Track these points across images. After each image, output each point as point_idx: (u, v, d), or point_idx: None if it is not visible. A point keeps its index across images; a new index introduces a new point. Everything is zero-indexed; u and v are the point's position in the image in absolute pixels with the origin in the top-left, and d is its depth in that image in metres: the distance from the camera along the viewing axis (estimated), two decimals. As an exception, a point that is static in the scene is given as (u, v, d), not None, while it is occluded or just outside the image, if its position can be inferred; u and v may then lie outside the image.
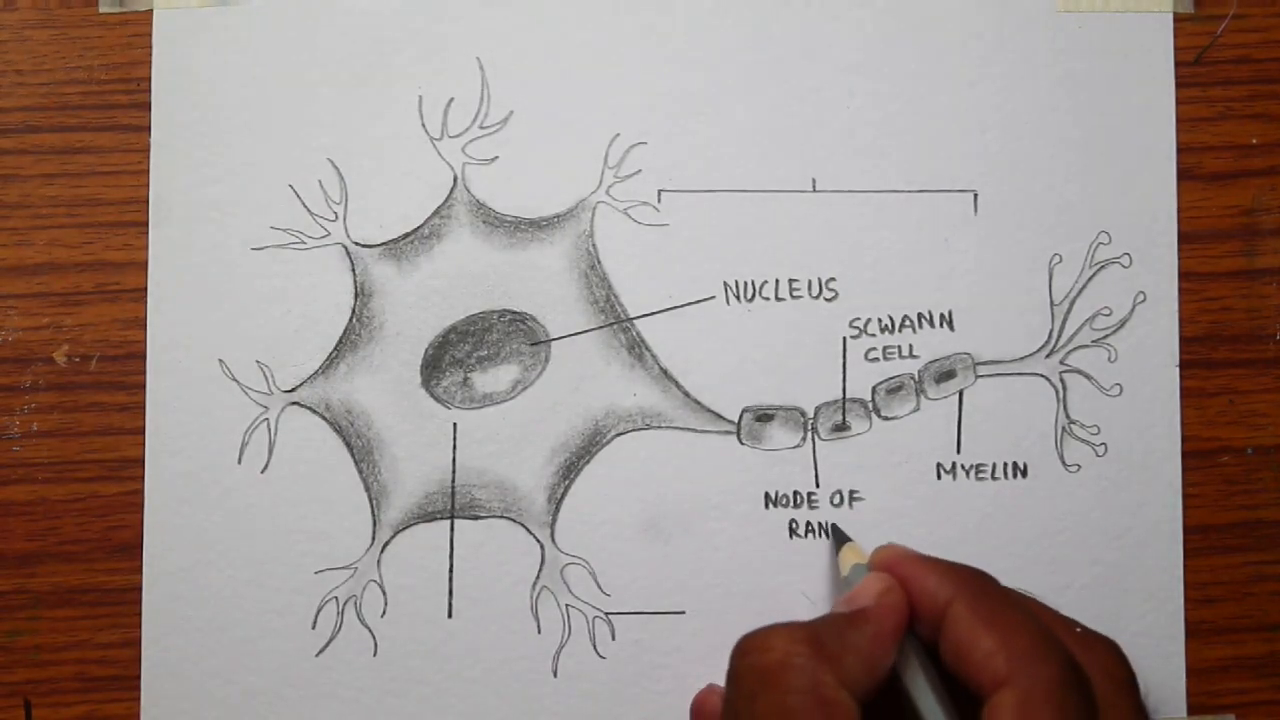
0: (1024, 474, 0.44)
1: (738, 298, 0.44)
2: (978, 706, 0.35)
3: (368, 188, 0.44)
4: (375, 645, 0.43)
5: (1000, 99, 0.45)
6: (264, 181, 0.44)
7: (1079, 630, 0.38)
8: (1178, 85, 0.45)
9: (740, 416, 0.44)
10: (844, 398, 0.44)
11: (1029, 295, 0.45)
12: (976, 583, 0.37)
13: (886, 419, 0.44)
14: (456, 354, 0.44)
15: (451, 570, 0.43)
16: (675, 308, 0.44)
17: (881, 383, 0.44)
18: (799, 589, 0.44)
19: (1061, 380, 0.45)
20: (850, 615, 0.37)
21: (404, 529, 0.44)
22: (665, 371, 0.44)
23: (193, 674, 0.43)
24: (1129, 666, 0.38)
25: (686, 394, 0.44)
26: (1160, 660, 0.44)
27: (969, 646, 0.35)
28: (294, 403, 0.44)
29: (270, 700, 0.43)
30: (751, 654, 0.36)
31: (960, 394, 0.44)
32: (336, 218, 0.44)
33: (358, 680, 0.43)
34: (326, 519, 0.43)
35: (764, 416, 0.44)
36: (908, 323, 0.45)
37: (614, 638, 0.44)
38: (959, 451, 0.44)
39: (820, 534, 0.44)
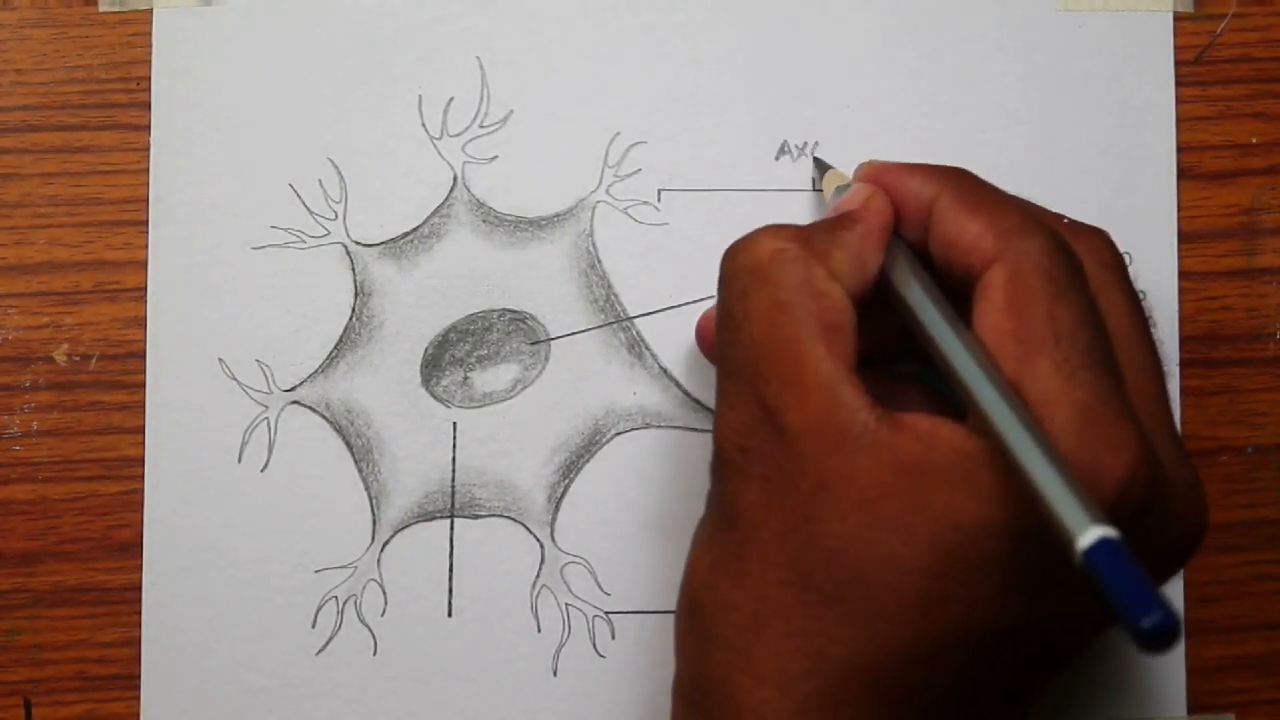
0: (1024, 473, 0.44)
1: (738, 297, 0.44)
2: (969, 304, 0.35)
3: (368, 187, 0.44)
4: (375, 644, 0.43)
5: (1000, 99, 0.45)
6: (264, 181, 0.44)
7: (1066, 221, 0.38)
8: (1178, 85, 0.45)
9: (740, 416, 0.44)
10: (844, 397, 0.44)
11: (1029, 295, 0.45)
12: (960, 176, 0.37)
13: (886, 418, 0.44)
14: (456, 353, 0.44)
15: (451, 569, 0.43)
16: (675, 307, 0.44)
17: (881, 382, 0.44)
18: (799, 588, 0.44)
19: (1061, 379, 0.44)
20: (837, 218, 0.37)
21: (404, 528, 0.44)
22: (665, 371, 0.44)
23: (193, 674, 0.43)
24: (1118, 253, 0.38)
25: (686, 393, 0.44)
26: (1160, 659, 0.44)
27: (957, 233, 0.35)
28: (294, 402, 0.44)
29: (270, 700, 0.43)
30: (741, 254, 0.36)
31: (960, 393, 0.44)
32: (336, 217, 0.44)
33: (358, 680, 0.43)
34: (326, 518, 0.43)
35: (764, 416, 0.44)
36: (908, 322, 0.44)
37: (614, 637, 0.44)
38: (959, 451, 0.44)
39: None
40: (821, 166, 0.44)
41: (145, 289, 0.44)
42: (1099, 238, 0.38)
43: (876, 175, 0.38)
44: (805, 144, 0.45)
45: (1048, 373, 0.32)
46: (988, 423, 0.32)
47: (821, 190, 0.43)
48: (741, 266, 0.36)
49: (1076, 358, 0.33)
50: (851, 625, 0.33)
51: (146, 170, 0.44)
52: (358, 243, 0.44)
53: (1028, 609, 0.33)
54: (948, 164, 0.38)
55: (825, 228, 0.37)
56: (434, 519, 0.44)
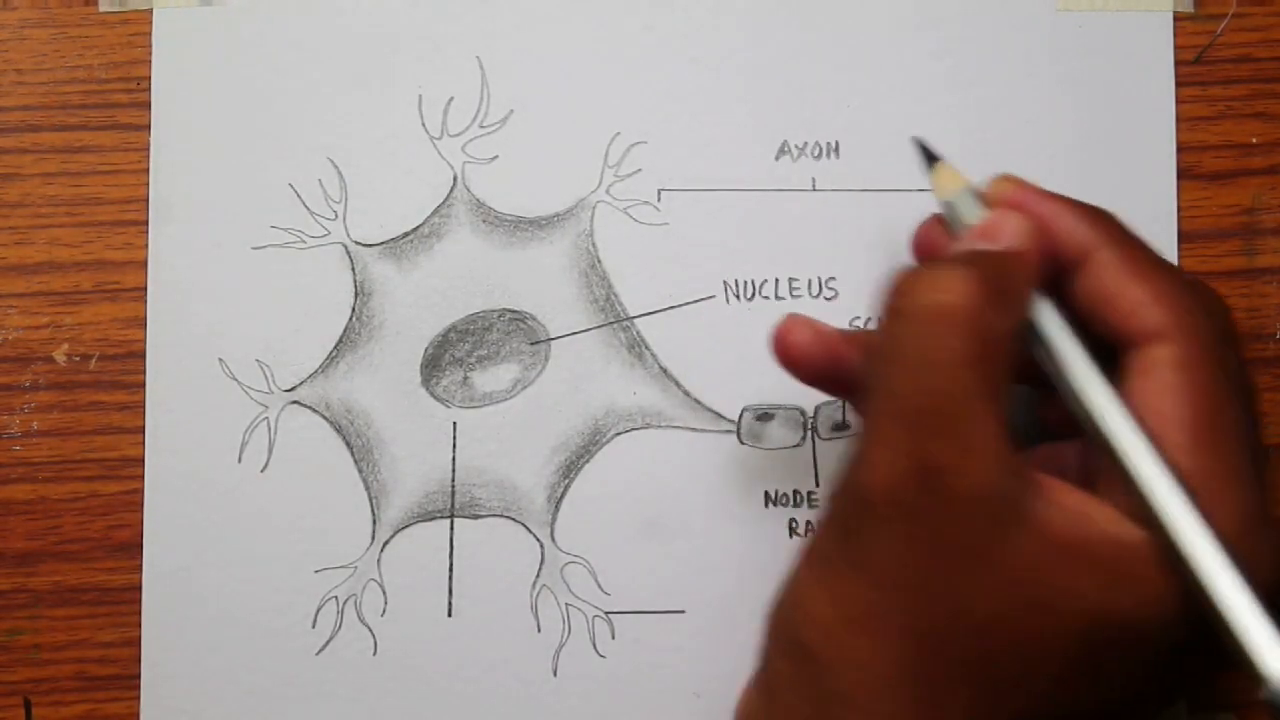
0: (1024, 473, 0.44)
1: (738, 297, 0.44)
2: (1106, 358, 0.34)
3: (368, 187, 0.44)
4: (375, 645, 0.43)
5: (1000, 99, 0.45)
6: (264, 181, 0.44)
7: (1192, 281, 0.36)
8: (1178, 85, 0.45)
9: (740, 416, 0.44)
10: (844, 397, 0.44)
11: (1029, 295, 0.45)
12: (1120, 228, 0.35)
13: (886, 418, 0.44)
14: (456, 353, 0.44)
15: (451, 569, 0.43)
16: (675, 307, 0.44)
17: (881, 382, 0.44)
18: (799, 588, 0.44)
19: (1061, 379, 0.45)
20: (1006, 256, 0.34)
21: (404, 528, 0.44)
22: (665, 371, 0.44)
23: (193, 674, 0.43)
24: (1235, 323, 0.36)
25: (686, 393, 0.44)
26: (1160, 660, 0.44)
27: (1117, 294, 0.34)
28: (294, 402, 0.44)
29: (270, 700, 0.43)
30: (924, 292, 0.33)
31: (960, 393, 0.44)
32: (336, 217, 0.44)
33: (358, 680, 0.43)
34: (326, 518, 0.43)
35: (764, 416, 0.44)
36: (908, 322, 0.44)
37: (614, 637, 0.44)
38: (959, 451, 0.44)
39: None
40: (929, 156, 0.40)
41: (145, 289, 0.44)
42: (1226, 307, 0.36)
43: (1025, 203, 0.36)
44: (805, 144, 0.45)
45: (1215, 471, 0.32)
46: (1158, 519, 0.31)
47: (932, 189, 0.39)
48: (924, 307, 0.33)
49: (1239, 456, 0.32)
50: (987, 699, 0.32)
51: (146, 170, 0.44)
52: (358, 243, 0.44)
53: (1157, 694, 0.33)
54: (1093, 203, 0.36)
55: (1000, 268, 0.34)
56: (434, 519, 0.44)
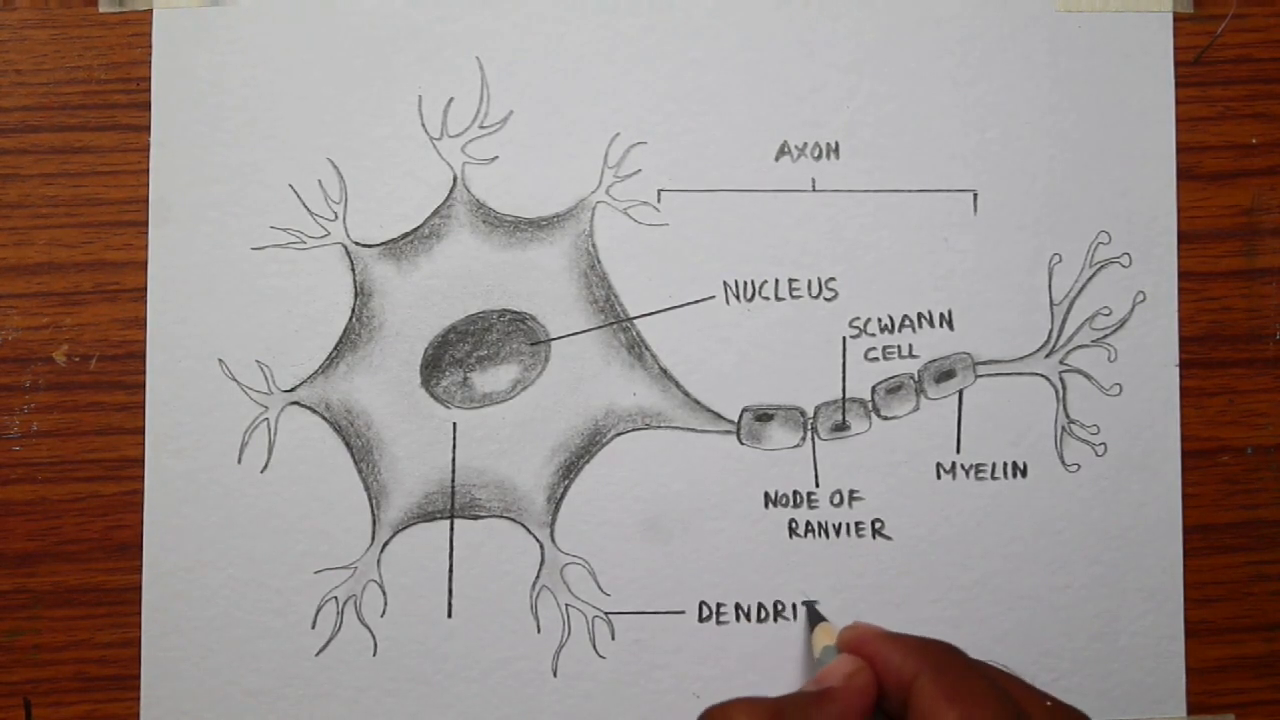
0: (1023, 474, 0.44)
1: (738, 297, 0.44)
2: None
3: (368, 188, 0.44)
4: (375, 645, 0.43)
5: (1000, 99, 0.45)
6: (264, 181, 0.44)
7: (1049, 704, 0.38)
8: (1178, 85, 0.45)
9: (740, 416, 0.44)
10: (844, 397, 0.44)
11: (1028, 295, 0.45)
12: (941, 657, 0.37)
13: (886, 418, 0.44)
14: (456, 354, 0.44)
15: (451, 570, 0.43)
16: (675, 307, 0.44)
17: (881, 382, 0.44)
18: (799, 589, 0.44)
19: (1061, 380, 0.45)
20: (816, 694, 0.37)
21: (404, 529, 0.44)
22: (665, 371, 0.44)
23: (193, 674, 0.43)
24: None
25: (686, 394, 0.44)
26: (1160, 660, 0.44)
27: (931, 708, 0.36)
28: (294, 402, 0.44)
29: (270, 700, 0.43)
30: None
31: (960, 393, 0.45)
32: (336, 217, 0.44)
33: (358, 680, 0.43)
34: (326, 519, 0.43)
35: (764, 416, 0.44)
36: (907, 322, 0.45)
37: (614, 637, 0.44)
38: (959, 451, 0.44)
39: (820, 533, 0.44)
40: (814, 617, 0.43)
41: (145, 289, 0.44)
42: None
43: (859, 643, 0.38)
44: (805, 144, 0.45)
45: None
46: None
47: (810, 644, 0.43)
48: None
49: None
50: None
51: (146, 170, 0.44)
52: (358, 243, 0.44)
53: None
54: (931, 636, 0.38)
55: (802, 704, 0.37)
56: (434, 519, 0.44)
